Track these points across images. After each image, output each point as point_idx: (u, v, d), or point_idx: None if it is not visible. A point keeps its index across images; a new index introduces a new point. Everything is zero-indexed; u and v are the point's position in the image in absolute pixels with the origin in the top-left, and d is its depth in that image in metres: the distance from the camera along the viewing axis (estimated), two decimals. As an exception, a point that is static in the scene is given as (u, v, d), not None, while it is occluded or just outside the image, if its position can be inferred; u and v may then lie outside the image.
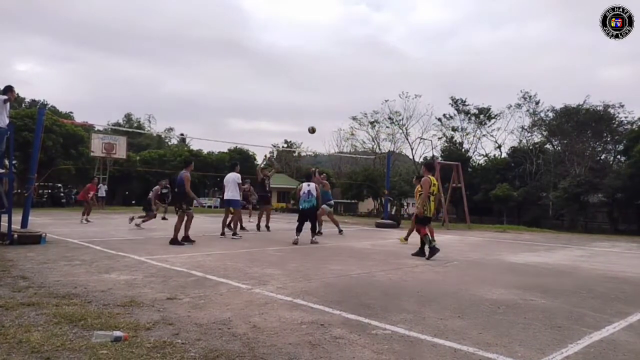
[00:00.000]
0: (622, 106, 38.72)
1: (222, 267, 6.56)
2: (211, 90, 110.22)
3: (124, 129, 49.52)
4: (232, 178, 11.32)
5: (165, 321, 3.70)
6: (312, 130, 14.42)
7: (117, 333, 3.20)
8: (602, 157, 41.71)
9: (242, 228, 12.54)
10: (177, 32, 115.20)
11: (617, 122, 39.25)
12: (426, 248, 8.28)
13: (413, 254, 8.50)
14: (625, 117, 38.92)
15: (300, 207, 10.27)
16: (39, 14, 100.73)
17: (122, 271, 5.95)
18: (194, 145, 55.02)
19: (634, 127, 37.50)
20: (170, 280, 5.43)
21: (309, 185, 10.31)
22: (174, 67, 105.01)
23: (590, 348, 3.42)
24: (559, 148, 41.60)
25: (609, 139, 40.50)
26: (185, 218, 9.41)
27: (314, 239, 10.38)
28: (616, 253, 10.42)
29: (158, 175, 37.29)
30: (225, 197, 11.68)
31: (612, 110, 38.91)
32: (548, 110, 42.30)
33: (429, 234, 8.32)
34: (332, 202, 13.00)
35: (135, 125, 59.54)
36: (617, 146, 40.15)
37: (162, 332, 3.43)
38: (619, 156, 39.87)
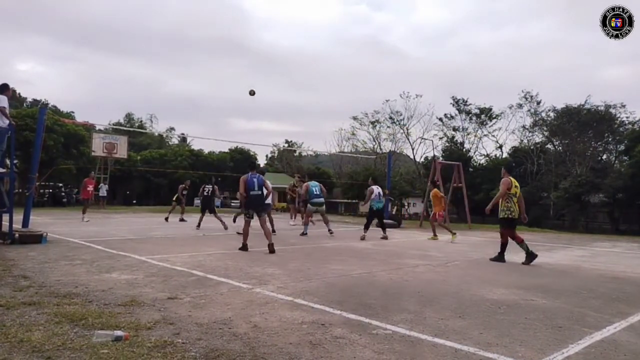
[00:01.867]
0: (624, 106, 38.75)
1: (222, 266, 6.57)
2: (212, 89, 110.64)
3: (125, 128, 49.56)
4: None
5: (166, 321, 3.70)
6: (252, 93, 14.38)
7: (118, 332, 3.20)
8: (603, 157, 41.71)
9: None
10: (178, 32, 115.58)
11: (618, 122, 39.22)
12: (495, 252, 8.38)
13: (492, 259, 8.34)
14: (627, 117, 38.94)
15: (375, 207, 11.63)
16: (40, 13, 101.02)
17: (123, 271, 5.96)
18: (195, 145, 55.15)
19: (635, 127, 37.48)
20: (171, 280, 5.44)
21: (378, 188, 11.80)
22: (175, 67, 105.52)
23: (591, 348, 3.42)
24: (560, 148, 41.62)
25: (610, 139, 40.49)
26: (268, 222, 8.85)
27: (385, 234, 11.78)
28: (617, 253, 10.42)
29: (159, 175, 37.46)
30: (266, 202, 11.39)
31: (613, 111, 38.93)
32: (549, 110, 42.36)
33: (523, 240, 8.18)
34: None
35: (137, 125, 59.61)
36: (618, 146, 40.16)
37: (162, 331, 3.43)
38: (620, 156, 39.86)
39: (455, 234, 12.24)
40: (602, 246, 11.65)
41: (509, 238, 8.15)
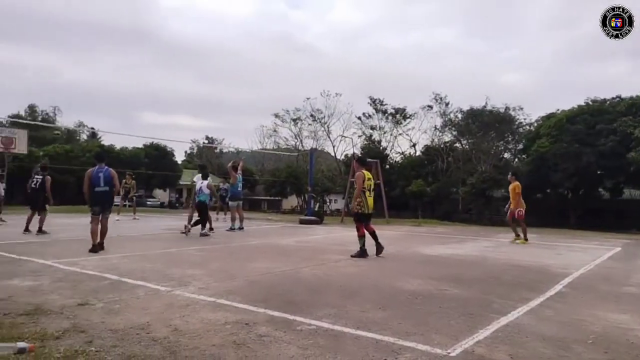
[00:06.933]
0: (522, 109, 42.53)
1: (139, 269, 6.24)
2: (118, 80, 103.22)
3: (25, 121, 45.31)
4: None
5: (77, 328, 3.45)
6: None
7: (21, 344, 2.91)
8: (505, 155, 45.46)
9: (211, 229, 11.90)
10: (74, 17, 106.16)
11: (517, 124, 42.99)
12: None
13: (353, 256, 7.80)
14: (524, 119, 42.82)
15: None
16: None
17: (25, 277, 5.45)
18: (106, 141, 51.84)
19: (531, 128, 41.31)
20: (81, 285, 5.07)
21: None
22: (73, 55, 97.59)
23: (498, 332, 3.70)
24: (467, 147, 44.65)
25: (510, 139, 44.24)
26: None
27: None
28: (518, 244, 11.35)
29: (64, 172, 34.76)
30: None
31: (513, 113, 42.59)
32: (457, 112, 45.26)
33: (365, 234, 7.92)
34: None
35: (40, 118, 54.78)
36: (517, 145, 43.99)
37: (73, 340, 3.19)
38: (519, 154, 43.69)
39: (519, 236, 11.30)
40: (505, 237, 12.64)
41: (365, 231, 7.96)
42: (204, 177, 11.49)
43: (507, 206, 11.67)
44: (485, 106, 42.69)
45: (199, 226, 11.04)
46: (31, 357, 2.83)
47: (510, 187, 11.67)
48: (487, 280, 6.08)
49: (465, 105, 45.09)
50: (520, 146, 42.79)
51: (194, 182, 12.00)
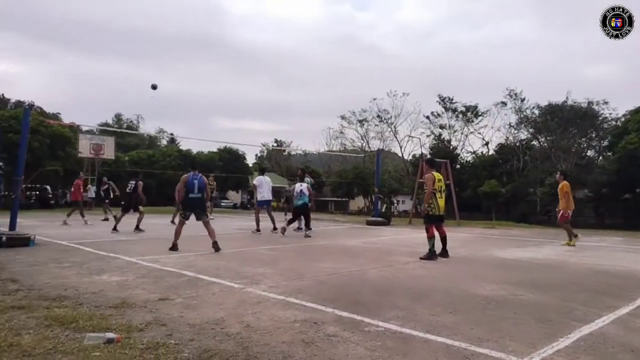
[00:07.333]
0: (606, 103, 39.32)
1: (214, 266, 6.54)
2: (194, 88, 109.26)
3: (112, 129, 49.06)
4: None
5: (158, 322, 3.68)
6: (154, 87, 15.37)
7: (110, 335, 3.18)
8: (588, 153, 42.32)
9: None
10: (153, 30, 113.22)
11: (601, 119, 39.81)
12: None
13: (422, 258, 7.78)
14: (610, 114, 39.53)
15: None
16: (18, 12, 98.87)
17: (113, 272, 5.91)
18: (183, 145, 54.84)
19: (618, 123, 38.07)
20: (162, 281, 5.41)
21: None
22: (154, 65, 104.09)
23: (580, 342, 3.47)
24: (545, 144, 42.11)
25: (594, 135, 41.11)
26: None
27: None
28: (603, 247, 10.57)
29: (148, 176, 37.25)
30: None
31: (596, 107, 39.50)
32: (533, 108, 42.83)
33: (435, 236, 7.88)
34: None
35: (125, 125, 59.12)
36: (602, 142, 40.77)
37: (155, 332, 3.41)
38: (604, 152, 40.47)
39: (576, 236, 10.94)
40: (588, 240, 11.80)
41: (434, 232, 7.92)
42: (301, 180, 12.28)
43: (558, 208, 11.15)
44: (565, 101, 40.08)
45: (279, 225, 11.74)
46: (118, 347, 3.06)
47: (558, 187, 11.07)
48: (567, 286, 5.71)
49: (543, 101, 42.58)
50: (606, 143, 39.61)
51: (254, 184, 12.68)
